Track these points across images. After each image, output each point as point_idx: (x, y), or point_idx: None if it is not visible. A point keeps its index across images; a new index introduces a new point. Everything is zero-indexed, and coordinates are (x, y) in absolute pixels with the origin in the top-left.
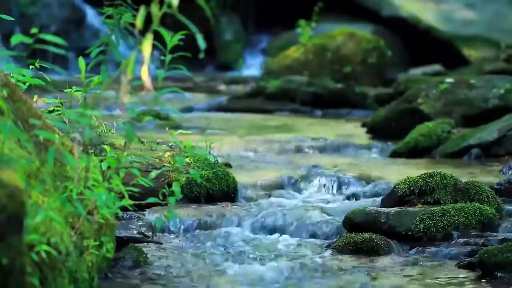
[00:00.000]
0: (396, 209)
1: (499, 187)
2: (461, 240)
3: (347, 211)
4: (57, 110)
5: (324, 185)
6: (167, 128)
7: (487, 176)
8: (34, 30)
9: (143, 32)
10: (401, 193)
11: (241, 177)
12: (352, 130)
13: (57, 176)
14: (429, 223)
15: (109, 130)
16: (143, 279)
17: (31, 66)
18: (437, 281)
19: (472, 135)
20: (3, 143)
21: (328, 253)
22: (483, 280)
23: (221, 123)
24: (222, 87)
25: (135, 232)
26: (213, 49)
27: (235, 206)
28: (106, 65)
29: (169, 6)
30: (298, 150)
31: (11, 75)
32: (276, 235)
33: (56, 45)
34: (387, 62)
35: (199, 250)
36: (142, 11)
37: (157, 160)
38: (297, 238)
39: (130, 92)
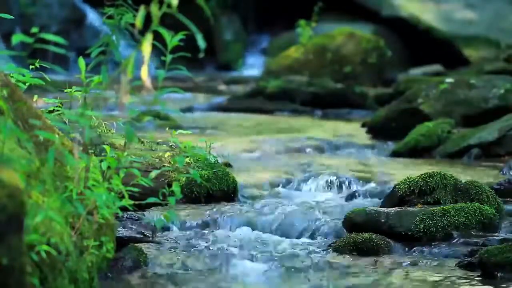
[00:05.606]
0: (396, 209)
1: (499, 187)
2: (461, 240)
3: (347, 211)
4: (57, 110)
5: (324, 185)
6: (167, 128)
7: (487, 176)
8: (34, 30)
9: (143, 32)
10: (401, 193)
11: (241, 177)
12: (352, 130)
13: (57, 176)
14: (429, 223)
15: (109, 130)
16: (143, 279)
17: (31, 66)
18: (437, 281)
19: (472, 135)
20: (3, 143)
21: (328, 253)
22: (483, 280)
23: (221, 123)
24: (222, 87)
25: (135, 232)
26: (213, 49)
27: (235, 206)
28: (106, 65)
29: (169, 6)
30: (298, 150)
31: (11, 75)
32: (276, 235)
33: (56, 44)
34: (387, 62)
35: (199, 250)
36: (141, 11)
37: (157, 160)
38: (297, 238)
39: (130, 92)
